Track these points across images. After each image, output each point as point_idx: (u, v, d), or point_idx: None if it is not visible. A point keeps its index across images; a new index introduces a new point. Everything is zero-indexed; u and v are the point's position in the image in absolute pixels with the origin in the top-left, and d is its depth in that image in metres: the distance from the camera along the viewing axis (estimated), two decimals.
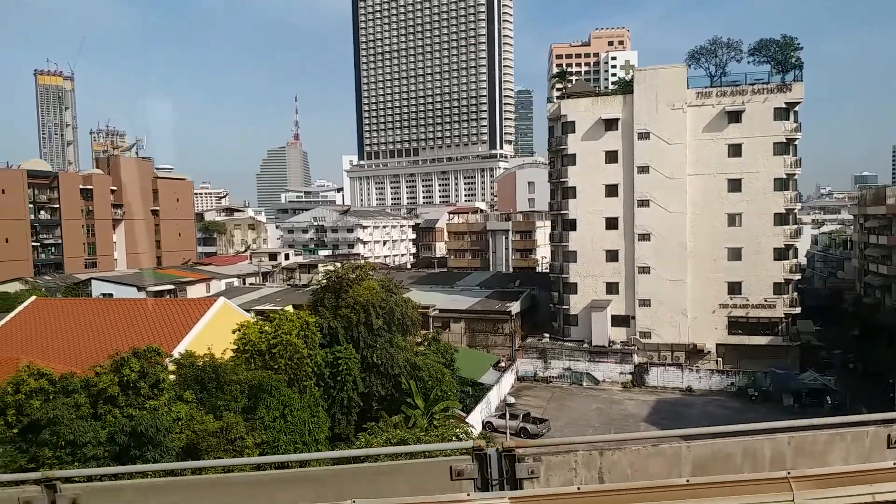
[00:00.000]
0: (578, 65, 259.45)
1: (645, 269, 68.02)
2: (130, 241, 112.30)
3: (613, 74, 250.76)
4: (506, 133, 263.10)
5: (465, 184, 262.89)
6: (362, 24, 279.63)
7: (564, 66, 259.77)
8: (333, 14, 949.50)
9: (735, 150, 65.69)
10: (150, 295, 75.63)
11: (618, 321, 69.52)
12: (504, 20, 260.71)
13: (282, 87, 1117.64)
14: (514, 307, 72.96)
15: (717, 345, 67.69)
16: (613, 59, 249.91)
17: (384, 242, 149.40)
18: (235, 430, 24.99)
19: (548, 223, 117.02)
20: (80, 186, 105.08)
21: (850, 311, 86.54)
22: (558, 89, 74.99)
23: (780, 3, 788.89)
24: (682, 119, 66.32)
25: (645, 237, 67.77)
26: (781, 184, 65.13)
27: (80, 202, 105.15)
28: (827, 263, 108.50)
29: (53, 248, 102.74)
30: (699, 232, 66.98)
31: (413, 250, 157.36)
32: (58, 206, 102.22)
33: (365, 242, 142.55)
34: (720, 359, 67.68)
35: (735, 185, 65.93)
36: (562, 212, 71.15)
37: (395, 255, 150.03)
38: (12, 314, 46.37)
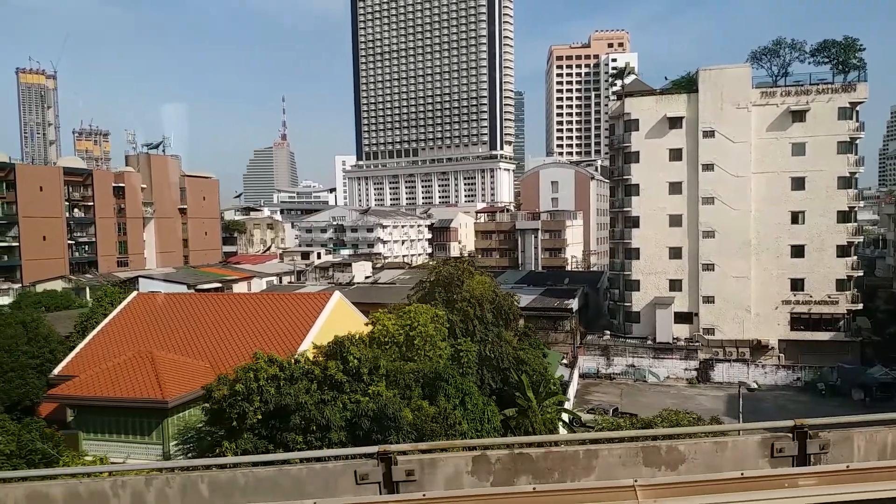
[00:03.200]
0: (579, 66, 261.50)
1: (709, 266, 68.93)
2: (160, 240, 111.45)
3: (614, 76, 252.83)
4: (506, 134, 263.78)
5: (465, 184, 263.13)
6: (361, 25, 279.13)
7: (564, 67, 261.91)
8: (324, 15, 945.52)
9: (799, 149, 66.81)
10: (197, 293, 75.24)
11: (680, 318, 70.37)
12: (504, 20, 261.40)
13: (269, 87, 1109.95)
14: (574, 304, 73.55)
15: (779, 340, 68.79)
16: (614, 60, 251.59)
17: (402, 242, 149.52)
18: (453, 416, 25.22)
19: (576, 222, 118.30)
20: (113, 184, 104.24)
21: (885, 308, 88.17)
22: (614, 88, 75.58)
23: (765, 6, 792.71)
24: (746, 118, 67.34)
25: (709, 234, 68.68)
26: (845, 182, 66.41)
27: (113, 200, 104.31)
28: None
29: (87, 247, 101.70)
30: (763, 229, 68.04)
31: (429, 250, 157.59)
32: (92, 203, 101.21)
33: (385, 242, 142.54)
34: (781, 354, 68.78)
35: (798, 184, 67.07)
36: (624, 209, 71.88)
37: (412, 255, 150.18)
38: (118, 309, 45.87)
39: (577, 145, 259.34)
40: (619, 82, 75.93)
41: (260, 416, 23.00)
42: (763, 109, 67.40)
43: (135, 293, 48.77)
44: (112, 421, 36.37)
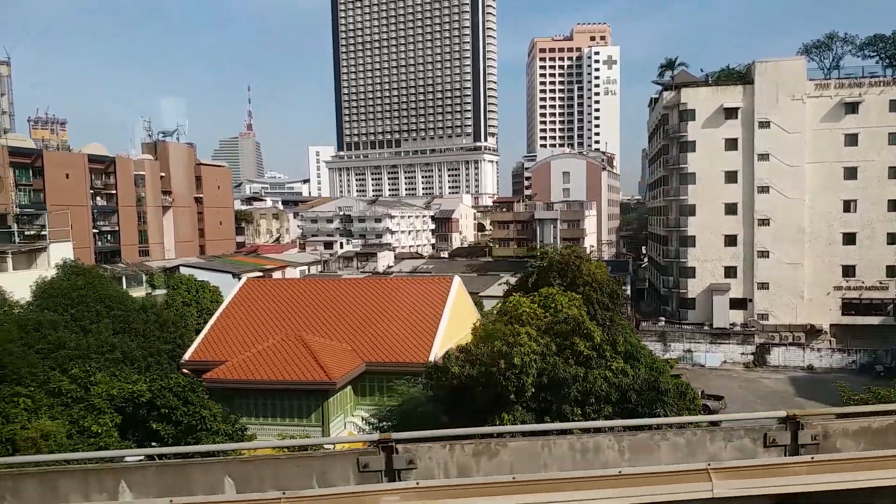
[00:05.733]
0: (561, 59, 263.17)
1: (764, 253, 70.76)
2: (178, 229, 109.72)
3: (597, 69, 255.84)
4: (490, 125, 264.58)
5: (448, 176, 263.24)
6: (342, 14, 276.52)
7: (547, 60, 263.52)
8: (290, 7, 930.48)
9: (851, 140, 68.98)
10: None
11: (734, 304, 72.11)
12: (487, 11, 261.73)
13: (233, 76, 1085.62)
14: (627, 291, 74.74)
15: (830, 325, 71.04)
16: (597, 53, 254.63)
17: (409, 232, 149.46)
18: (691, 392, 25.88)
19: (591, 212, 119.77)
20: (133, 172, 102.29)
21: None
22: (666, 80, 76.84)
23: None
24: (801, 109, 69.19)
25: (764, 222, 70.48)
26: (895, 172, 68.75)
27: (134, 188, 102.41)
28: None
29: (109, 235, 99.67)
30: (816, 217, 70.12)
31: (433, 241, 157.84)
32: (114, 192, 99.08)
33: (393, 232, 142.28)
34: (833, 338, 71.02)
35: (851, 173, 69.26)
36: (679, 197, 73.25)
37: (418, 245, 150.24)
38: (231, 295, 45.32)
39: (560, 138, 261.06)
40: (667, 73, 76.98)
41: (533, 390, 23.37)
42: (817, 101, 69.33)
43: (244, 279, 48.22)
44: (262, 404, 36.20)
